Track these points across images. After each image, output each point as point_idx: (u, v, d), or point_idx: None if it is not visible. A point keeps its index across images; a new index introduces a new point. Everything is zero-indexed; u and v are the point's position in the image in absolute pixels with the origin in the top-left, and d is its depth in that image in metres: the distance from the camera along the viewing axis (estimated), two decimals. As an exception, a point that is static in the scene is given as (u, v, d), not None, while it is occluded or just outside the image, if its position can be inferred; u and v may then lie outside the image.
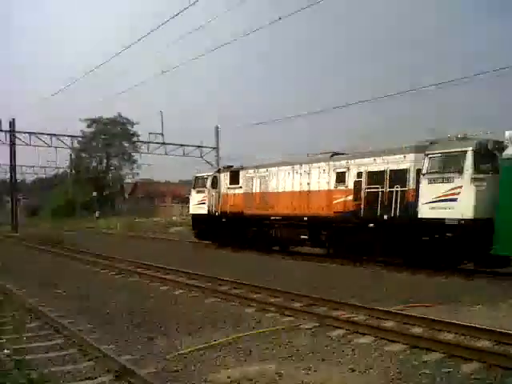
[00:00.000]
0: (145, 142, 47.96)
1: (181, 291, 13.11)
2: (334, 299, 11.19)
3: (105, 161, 75.74)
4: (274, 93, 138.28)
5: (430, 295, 11.98)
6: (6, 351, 7.49)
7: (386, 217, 17.35)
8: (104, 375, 6.55)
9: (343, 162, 19.82)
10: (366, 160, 18.83)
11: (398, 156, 17.59)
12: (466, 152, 15.18)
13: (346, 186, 19.24)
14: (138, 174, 75.29)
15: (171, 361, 7.22)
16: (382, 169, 17.88)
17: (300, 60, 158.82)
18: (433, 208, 15.79)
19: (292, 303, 11.10)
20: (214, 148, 46.34)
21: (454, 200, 15.25)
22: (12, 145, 40.77)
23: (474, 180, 14.93)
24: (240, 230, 25.07)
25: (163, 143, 45.28)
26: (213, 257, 22.85)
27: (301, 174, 21.61)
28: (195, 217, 28.90)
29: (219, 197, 26.65)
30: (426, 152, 16.22)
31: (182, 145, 46.35)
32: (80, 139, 63.02)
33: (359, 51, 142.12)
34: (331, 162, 20.35)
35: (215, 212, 26.70)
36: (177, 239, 34.14)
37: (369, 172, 18.43)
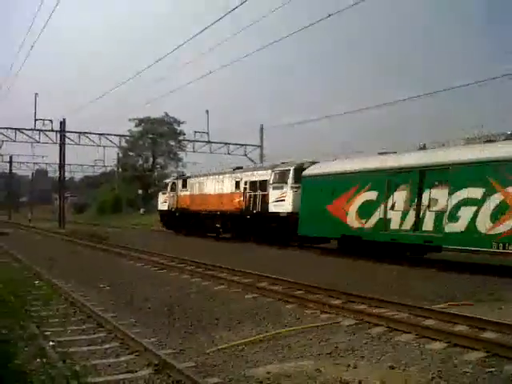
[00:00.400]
0: (190, 141, 48.64)
1: (221, 287, 13.18)
2: (374, 296, 11.07)
3: (151, 159, 76.76)
4: (322, 91, 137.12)
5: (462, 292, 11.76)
6: (51, 343, 7.69)
7: (255, 211, 26.44)
8: (144, 369, 6.63)
9: (238, 174, 29.20)
10: (249, 173, 28.41)
11: (263, 171, 27.09)
12: (289, 170, 24.44)
13: (240, 191, 28.08)
14: (182, 172, 76.23)
15: (210, 355, 7.26)
16: (256, 179, 27.03)
17: (348, 58, 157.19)
18: (275, 206, 24.87)
19: (331, 300, 11.02)
20: (258, 146, 46.42)
21: (283, 200, 24.27)
22: (62, 144, 41.73)
23: (292, 188, 23.82)
24: (187, 221, 34.11)
25: (208, 141, 45.77)
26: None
27: (218, 181, 30.78)
28: (161, 212, 38.45)
29: (176, 197, 35.71)
30: (273, 169, 25.78)
31: (226, 143, 46.72)
32: (127, 138, 64.31)
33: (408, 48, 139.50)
34: (233, 174, 29.80)
35: (172, 208, 36.02)
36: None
37: (250, 181, 27.55)
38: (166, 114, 73.38)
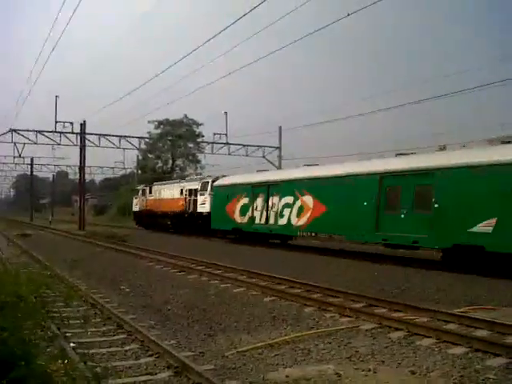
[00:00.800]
0: (209, 143, 48.71)
1: (240, 289, 13.18)
2: (394, 300, 11.01)
3: (170, 161, 77.11)
4: (347, 90, 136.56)
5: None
6: (71, 344, 7.74)
7: (190, 211, 36.60)
8: (164, 371, 6.65)
9: (182, 183, 39.86)
10: (188, 183, 38.62)
11: (195, 182, 37.28)
12: (208, 182, 34.20)
13: (183, 196, 37.92)
14: (201, 174, 76.45)
15: (230, 358, 7.26)
16: (192, 188, 36.88)
17: (371, 57, 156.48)
18: (200, 207, 34.78)
19: (352, 303, 10.96)
20: (276, 148, 46.40)
21: (205, 203, 33.90)
22: (82, 146, 42.11)
23: (210, 194, 33.12)
24: (152, 220, 44.48)
25: (227, 143, 45.84)
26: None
27: (170, 189, 41.36)
28: (135, 213, 50.37)
29: (145, 201, 46.45)
30: (200, 181, 36.35)
31: (244, 145, 46.72)
32: (147, 140, 64.76)
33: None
34: (180, 183, 40.68)
35: (141, 209, 47.21)
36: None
37: (188, 189, 37.39)
38: (185, 116, 73.76)
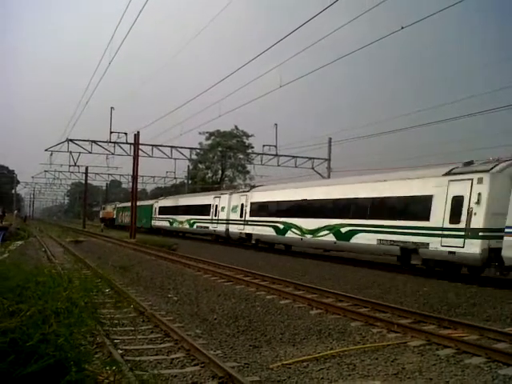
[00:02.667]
0: (258, 154, 49.01)
1: (287, 301, 13.16)
2: (442, 316, 10.78)
3: (220, 172, 77.88)
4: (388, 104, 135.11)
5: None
6: (119, 351, 7.91)
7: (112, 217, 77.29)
8: (209, 381, 6.71)
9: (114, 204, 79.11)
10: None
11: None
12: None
13: (113, 211, 76.53)
14: (249, 184, 76.76)
15: (275, 371, 7.26)
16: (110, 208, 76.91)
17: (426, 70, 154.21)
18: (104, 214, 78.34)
19: (400, 319, 10.78)
20: (325, 159, 46.20)
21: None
22: (135, 156, 42.97)
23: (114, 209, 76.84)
24: (111, 223, 71.93)
25: (276, 155, 45.96)
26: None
27: (111, 206, 79.94)
28: (102, 220, 78.07)
29: (106, 212, 79.94)
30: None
31: (294, 156, 46.72)
32: (198, 151, 65.59)
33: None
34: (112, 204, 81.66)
35: (104, 217, 78.05)
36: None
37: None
38: (236, 128, 74.43)
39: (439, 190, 18.13)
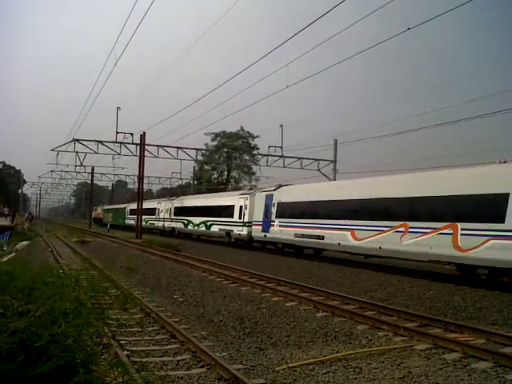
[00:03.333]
0: (264, 155, 49.08)
1: (292, 303, 13.15)
2: (449, 320, 10.76)
3: (225, 173, 77.96)
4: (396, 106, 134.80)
5: None
6: (126, 352, 7.93)
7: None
8: (215, 383, 6.72)
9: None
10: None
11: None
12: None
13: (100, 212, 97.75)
14: (255, 186, 76.86)
15: (281, 373, 7.27)
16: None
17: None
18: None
19: (406, 322, 10.77)
20: (331, 161, 46.18)
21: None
22: (141, 156, 43.08)
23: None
24: (100, 222, 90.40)
25: (282, 156, 45.98)
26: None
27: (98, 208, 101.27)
28: (94, 219, 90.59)
29: (97, 213, 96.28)
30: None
31: (299, 158, 46.75)
32: (203, 152, 65.73)
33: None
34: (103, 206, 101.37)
35: (96, 217, 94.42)
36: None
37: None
38: (242, 128, 74.50)
39: (236, 202, 35.76)
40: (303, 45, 23.43)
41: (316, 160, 47.00)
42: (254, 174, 71.39)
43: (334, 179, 43.93)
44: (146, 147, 43.66)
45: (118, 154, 45.43)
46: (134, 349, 8.35)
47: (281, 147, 45.27)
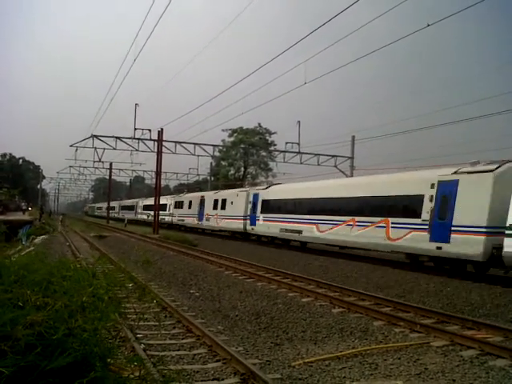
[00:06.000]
0: (281, 151, 48.99)
1: (308, 299, 13.14)
2: (466, 317, 10.67)
3: (242, 169, 77.91)
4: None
5: None
6: (142, 346, 7.97)
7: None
8: (231, 377, 6.74)
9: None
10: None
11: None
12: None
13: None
14: (271, 182, 76.64)
15: (297, 369, 7.27)
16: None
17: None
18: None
19: (423, 319, 10.70)
20: (348, 158, 45.93)
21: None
22: (159, 152, 43.26)
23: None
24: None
25: (299, 152, 45.86)
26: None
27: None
28: (85, 213, 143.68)
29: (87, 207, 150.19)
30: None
31: (316, 154, 46.59)
32: (220, 148, 65.79)
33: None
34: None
35: (86, 211, 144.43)
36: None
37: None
38: (259, 125, 74.36)
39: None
40: (321, 42, 23.30)
41: (333, 156, 46.81)
42: (270, 170, 71.23)
43: (351, 175, 43.74)
44: (164, 143, 43.82)
45: (136, 150, 45.66)
46: (150, 342, 8.41)
47: (298, 143, 45.18)
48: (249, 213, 35.14)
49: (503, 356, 7.95)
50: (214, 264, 21.00)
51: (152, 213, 49.35)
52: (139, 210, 74.70)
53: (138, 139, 43.05)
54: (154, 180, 48.70)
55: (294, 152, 46.03)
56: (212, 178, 71.28)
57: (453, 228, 17.77)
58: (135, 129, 41.72)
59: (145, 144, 44.04)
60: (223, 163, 76.86)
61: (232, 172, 78.43)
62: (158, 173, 44.43)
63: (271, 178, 70.43)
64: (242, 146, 68.94)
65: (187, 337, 8.95)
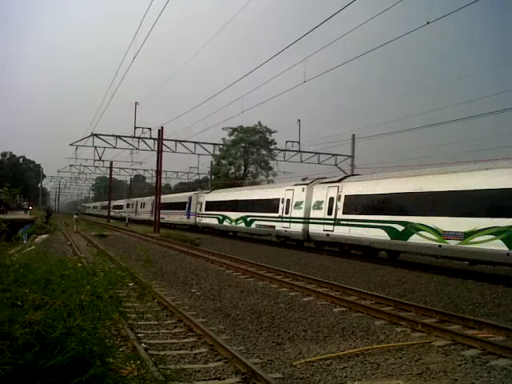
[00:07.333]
0: (281, 150, 48.98)
1: (309, 298, 13.10)
2: (467, 316, 10.62)
3: (243, 167, 77.84)
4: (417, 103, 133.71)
5: None
6: (143, 345, 7.94)
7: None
8: (232, 377, 6.70)
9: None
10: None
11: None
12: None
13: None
14: (272, 181, 76.58)
15: (298, 368, 7.22)
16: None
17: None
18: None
19: (424, 318, 10.65)
20: (349, 156, 45.88)
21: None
22: (159, 151, 43.23)
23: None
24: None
25: (299, 151, 45.83)
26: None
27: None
28: (77, 212, 74.81)
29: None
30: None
31: (317, 153, 46.57)
32: (221, 147, 65.79)
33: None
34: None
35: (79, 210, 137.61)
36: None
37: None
38: (259, 124, 74.28)
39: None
40: (320, 41, 23.26)
41: (333, 155, 46.78)
42: (271, 168, 71.20)
43: (352, 174, 43.64)
44: (164, 142, 43.79)
45: (137, 149, 45.73)
46: (151, 341, 8.37)
47: (298, 142, 45.15)
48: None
49: (505, 355, 7.90)
50: (214, 263, 20.96)
51: (120, 211, 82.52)
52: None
53: (139, 138, 43.05)
54: (155, 179, 48.62)
55: (294, 151, 46.01)
56: (213, 177, 71.22)
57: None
58: (135, 127, 41.72)
59: (145, 143, 44.05)
60: (223, 162, 76.85)
61: (232, 171, 78.39)
62: (159, 172, 44.39)
63: (272, 176, 70.55)
64: (243, 144, 68.90)
65: (188, 336, 8.91)
